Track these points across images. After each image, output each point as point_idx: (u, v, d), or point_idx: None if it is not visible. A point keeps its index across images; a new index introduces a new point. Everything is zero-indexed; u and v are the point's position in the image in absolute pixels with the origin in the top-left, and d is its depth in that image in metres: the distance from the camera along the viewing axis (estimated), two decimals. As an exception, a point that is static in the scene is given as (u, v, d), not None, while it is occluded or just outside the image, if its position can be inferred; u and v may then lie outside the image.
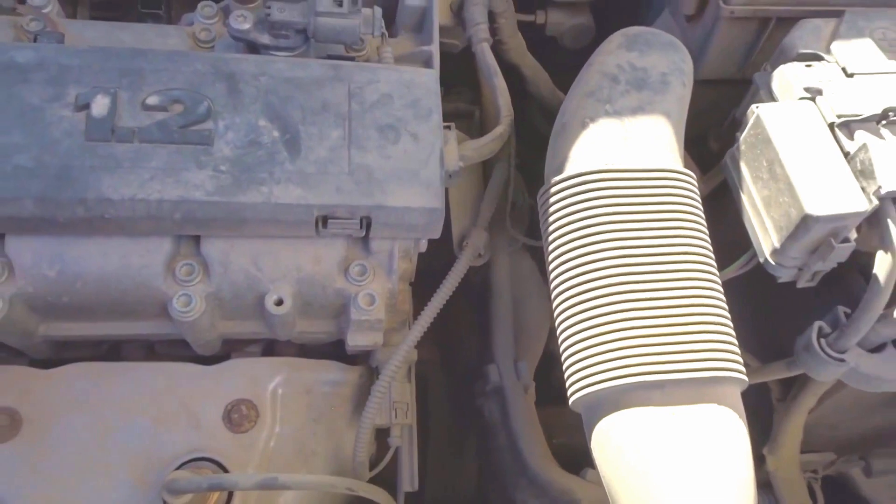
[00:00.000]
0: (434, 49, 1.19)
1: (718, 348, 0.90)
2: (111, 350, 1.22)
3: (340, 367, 1.23)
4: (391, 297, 1.12)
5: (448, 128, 1.15)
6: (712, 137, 1.59)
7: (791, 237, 0.96)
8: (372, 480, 1.23)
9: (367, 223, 1.06)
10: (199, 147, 1.01)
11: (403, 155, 1.06)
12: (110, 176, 0.97)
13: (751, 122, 1.04)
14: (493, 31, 1.42)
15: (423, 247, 1.13)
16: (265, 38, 1.11)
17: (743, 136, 1.06)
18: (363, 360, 1.26)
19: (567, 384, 0.95)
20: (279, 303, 1.06)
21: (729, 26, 1.34)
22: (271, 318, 1.08)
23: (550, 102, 1.53)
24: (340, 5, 1.08)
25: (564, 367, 0.95)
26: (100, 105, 1.00)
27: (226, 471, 1.10)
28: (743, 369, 0.91)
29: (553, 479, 1.22)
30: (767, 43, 1.38)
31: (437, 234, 1.09)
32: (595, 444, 0.91)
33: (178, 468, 1.09)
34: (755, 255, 1.06)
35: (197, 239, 1.06)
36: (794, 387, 1.15)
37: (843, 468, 1.43)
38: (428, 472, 1.67)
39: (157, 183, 0.99)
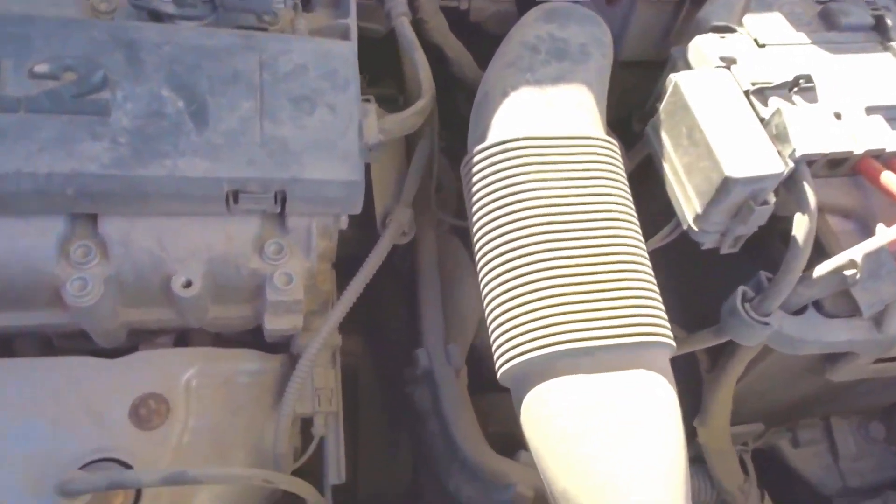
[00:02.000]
0: (351, 22, 1.15)
1: (646, 313, 0.89)
2: (2, 346, 1.11)
3: (259, 355, 1.16)
4: (310, 277, 1.07)
5: (367, 100, 1.11)
6: (635, 119, 1.60)
7: (712, 201, 0.96)
8: (297, 473, 1.17)
9: (281, 198, 1.00)
10: (95, 118, 0.94)
11: (320, 126, 1.02)
12: (-8, 148, 0.89)
13: (669, 90, 1.04)
14: (414, 9, 1.38)
15: (344, 223, 1.08)
16: (169, 7, 1.05)
17: (662, 106, 1.06)
18: (285, 349, 1.20)
19: (495, 357, 0.91)
20: (187, 285, 0.99)
21: (645, 7, 1.35)
22: (180, 303, 1.01)
23: (474, 84, 1.50)
24: (249, -28, 1.03)
25: (492, 339, 0.91)
26: (-20, 72, 0.91)
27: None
28: (670, 334, 0.90)
29: (486, 462, 1.19)
30: (683, 23, 1.40)
31: (357, 209, 1.05)
32: (524, 416, 0.88)
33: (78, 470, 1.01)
34: (679, 223, 1.05)
35: (94, 218, 0.98)
36: (721, 356, 1.16)
37: (771, 440, 1.45)
38: (360, 465, 1.61)
39: (47, 155, 0.91)
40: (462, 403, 1.25)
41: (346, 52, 1.08)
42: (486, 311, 0.93)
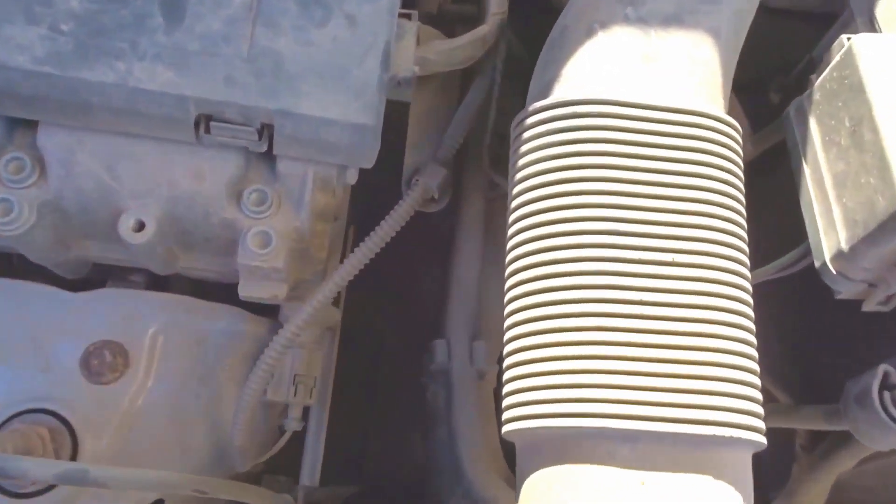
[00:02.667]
0: None
1: (731, 392, 0.60)
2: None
3: (242, 315, 0.95)
4: (299, 240, 0.83)
5: (407, 17, 0.83)
6: (774, 87, 1.25)
7: (870, 238, 0.64)
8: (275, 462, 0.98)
9: (268, 133, 0.76)
10: (35, -8, 0.71)
11: (331, 43, 0.75)
12: None
13: (836, 58, 0.70)
14: None
15: (353, 177, 0.82)
16: None
17: (821, 80, 0.72)
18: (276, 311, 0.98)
19: (503, 405, 0.65)
20: (138, 228, 0.78)
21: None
22: (131, 248, 0.80)
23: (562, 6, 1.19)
24: None
25: (504, 378, 0.65)
26: None
27: (71, 429, 0.86)
28: (762, 427, 0.61)
29: (492, 497, 0.95)
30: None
31: (368, 163, 0.79)
32: (524, 498, 0.63)
33: (8, 419, 0.85)
34: (808, 253, 0.74)
35: (35, 126, 0.76)
36: (828, 439, 0.85)
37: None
38: (372, 440, 1.42)
39: (-38, 35, 0.69)
40: (479, 417, 1.01)
41: (387, -57, 0.79)
42: (504, 337, 0.67)
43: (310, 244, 0.85)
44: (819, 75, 0.75)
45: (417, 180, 0.88)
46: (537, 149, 0.68)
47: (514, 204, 0.69)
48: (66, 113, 0.73)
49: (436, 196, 0.89)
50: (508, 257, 0.68)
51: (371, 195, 0.98)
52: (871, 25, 0.74)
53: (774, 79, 1.25)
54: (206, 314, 0.95)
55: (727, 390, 0.60)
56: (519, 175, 0.69)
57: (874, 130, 0.63)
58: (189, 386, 0.93)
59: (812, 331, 0.87)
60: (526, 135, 0.70)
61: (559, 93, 0.70)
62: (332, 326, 0.98)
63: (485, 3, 1.01)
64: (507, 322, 0.66)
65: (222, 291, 0.97)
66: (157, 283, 0.98)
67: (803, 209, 0.74)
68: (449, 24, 1.28)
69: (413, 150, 0.92)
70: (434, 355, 1.04)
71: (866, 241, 0.64)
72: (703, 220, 0.65)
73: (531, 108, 0.70)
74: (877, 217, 0.62)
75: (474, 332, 1.05)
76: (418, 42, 0.84)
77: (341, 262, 1.00)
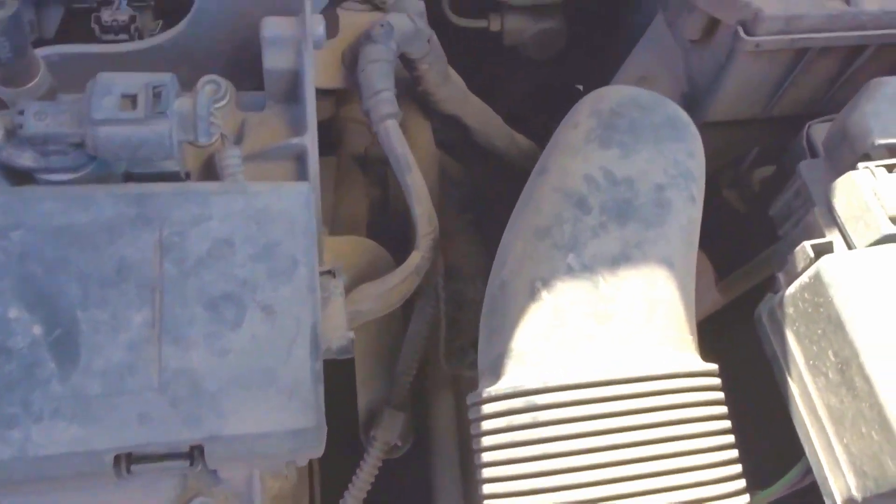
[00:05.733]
0: (309, 141, 0.77)
1: None
2: None
3: None
4: (260, 537, 0.74)
5: (330, 275, 0.74)
6: (725, 183, 1.21)
7: (883, 499, 0.57)
8: None
9: (199, 453, 0.67)
10: None
11: (250, 344, 0.67)
12: None
13: (806, 277, 0.63)
14: (416, 79, 0.99)
15: (305, 462, 0.74)
16: (27, 158, 0.70)
17: (791, 293, 0.66)
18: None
19: None
20: (74, 583, 0.68)
21: (751, 60, 0.93)
22: None
23: (508, 153, 1.12)
24: (133, 107, 0.66)
25: None
26: None
27: None
28: None
29: None
30: (804, 76, 0.97)
31: (316, 454, 0.70)
32: None
33: None
34: (810, 471, 0.67)
35: (-64, 495, 0.67)
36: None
37: None
38: None
39: None
40: None
41: (293, 207, 0.71)
42: None
43: (273, 533, 0.77)
44: (786, 276, 0.68)
45: (375, 436, 0.79)
46: (501, 447, 0.60)
47: (486, 506, 0.61)
48: (-37, 493, 0.64)
49: (399, 443, 0.81)
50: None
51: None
52: (832, 217, 0.68)
53: (724, 174, 1.21)
54: None
55: None
56: (487, 474, 0.61)
57: (866, 380, 0.57)
58: None
59: None
60: (486, 426, 0.62)
61: (513, 375, 0.62)
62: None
63: (411, 221, 0.88)
64: None
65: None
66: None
67: (798, 429, 0.67)
68: (374, 166, 1.20)
69: (364, 389, 0.84)
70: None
71: (881, 498, 0.58)
72: (698, 491, 0.58)
73: (486, 394, 0.63)
74: (889, 481, 0.55)
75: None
76: (348, 288, 0.76)
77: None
